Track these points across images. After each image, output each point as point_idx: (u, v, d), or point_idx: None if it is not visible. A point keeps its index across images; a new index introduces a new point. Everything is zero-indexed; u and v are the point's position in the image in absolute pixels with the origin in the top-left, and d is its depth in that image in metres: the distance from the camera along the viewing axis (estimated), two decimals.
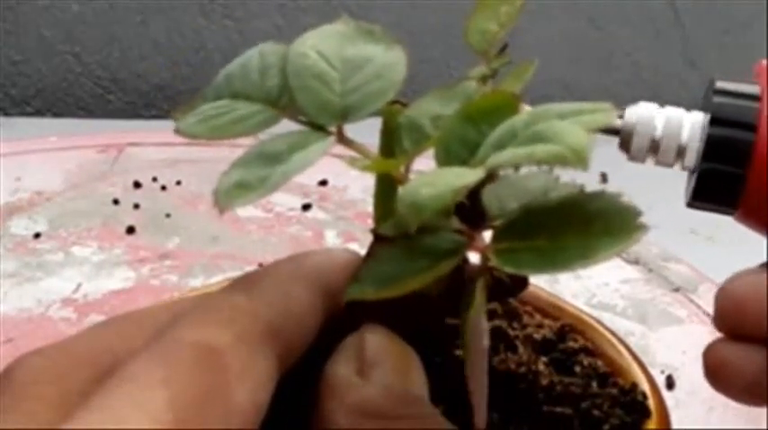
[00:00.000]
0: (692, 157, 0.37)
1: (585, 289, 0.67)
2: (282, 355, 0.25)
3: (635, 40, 1.82)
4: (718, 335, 0.40)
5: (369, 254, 0.27)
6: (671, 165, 0.38)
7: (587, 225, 0.23)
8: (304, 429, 0.26)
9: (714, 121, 0.37)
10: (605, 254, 0.22)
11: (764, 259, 0.40)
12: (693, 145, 0.37)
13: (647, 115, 0.38)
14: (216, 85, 0.29)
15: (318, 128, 0.27)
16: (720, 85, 0.38)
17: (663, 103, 0.42)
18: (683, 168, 0.38)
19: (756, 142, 0.36)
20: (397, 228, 0.25)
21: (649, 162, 0.39)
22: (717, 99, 0.37)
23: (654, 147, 0.38)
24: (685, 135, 0.37)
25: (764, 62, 0.39)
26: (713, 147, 0.37)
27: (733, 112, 0.37)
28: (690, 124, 0.38)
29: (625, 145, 0.38)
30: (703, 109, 0.38)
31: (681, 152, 0.38)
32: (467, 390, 0.26)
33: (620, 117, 0.38)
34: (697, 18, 1.86)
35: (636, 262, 0.68)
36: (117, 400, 0.22)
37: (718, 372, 0.36)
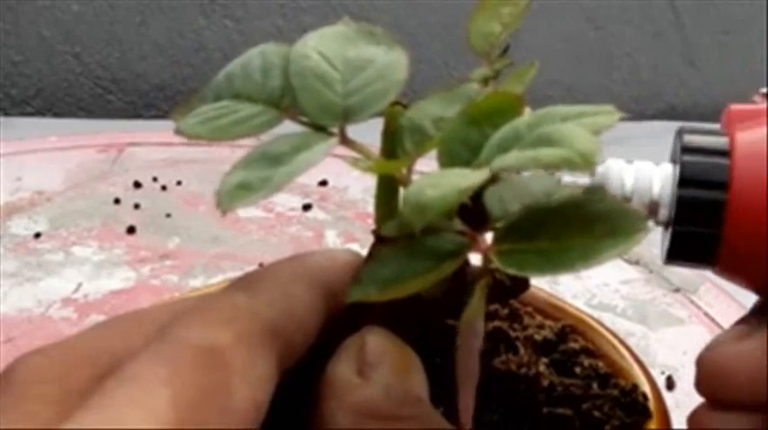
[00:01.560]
0: (664, 213, 0.36)
1: (586, 289, 0.67)
2: (283, 355, 0.25)
3: (635, 40, 1.82)
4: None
5: (370, 255, 0.27)
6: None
7: (590, 226, 0.23)
8: (304, 429, 0.26)
9: (684, 182, 0.35)
10: (608, 255, 0.22)
11: None
12: (665, 200, 0.36)
13: (616, 171, 0.37)
14: (216, 85, 0.29)
15: (320, 129, 0.27)
16: (688, 140, 0.36)
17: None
18: (656, 224, 0.37)
19: (729, 200, 0.35)
20: (399, 230, 0.25)
21: None
22: (685, 158, 0.35)
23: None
24: (656, 190, 0.36)
25: (731, 108, 0.38)
26: (685, 209, 0.35)
27: (702, 172, 0.35)
28: (660, 179, 0.36)
29: None
30: (672, 160, 0.37)
31: (653, 208, 0.36)
32: (480, 392, 0.26)
33: (591, 175, 0.37)
34: (697, 18, 1.86)
35: (636, 262, 0.68)
36: (118, 400, 0.22)
37: None
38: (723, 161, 0.35)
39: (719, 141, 0.36)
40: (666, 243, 0.37)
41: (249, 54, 0.29)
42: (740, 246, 0.35)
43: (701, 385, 0.36)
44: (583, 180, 0.36)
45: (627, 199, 0.36)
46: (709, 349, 0.37)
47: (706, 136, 0.36)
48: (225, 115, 0.27)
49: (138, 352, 0.23)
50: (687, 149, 0.36)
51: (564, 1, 1.21)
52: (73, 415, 0.22)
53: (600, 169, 0.37)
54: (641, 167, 0.37)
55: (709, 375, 0.36)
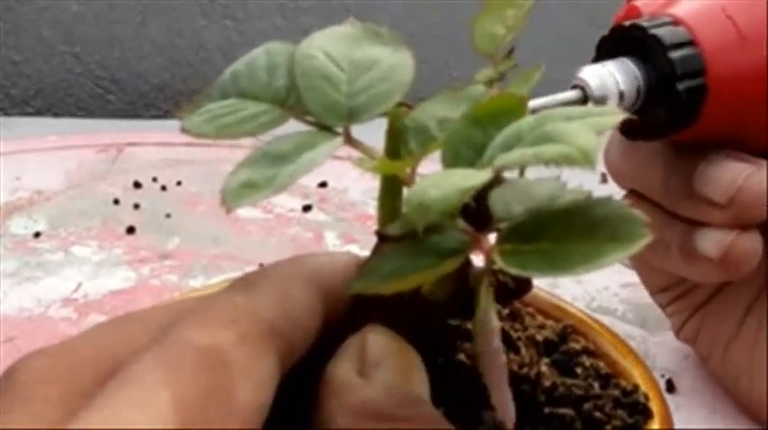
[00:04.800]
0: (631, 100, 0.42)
1: (585, 293, 0.67)
2: (283, 355, 0.25)
3: None
4: None
5: (374, 253, 0.27)
6: (629, 110, 0.42)
7: (593, 230, 0.23)
8: None
9: (671, 47, 0.41)
10: (609, 259, 0.22)
11: None
12: (634, 85, 0.41)
13: (608, 75, 0.41)
14: (222, 83, 0.29)
15: (325, 128, 0.27)
16: (645, 24, 0.42)
17: None
18: (631, 109, 0.42)
19: (704, 55, 0.42)
20: (403, 229, 0.25)
21: None
22: (654, 31, 0.41)
23: (621, 100, 0.41)
24: (638, 78, 0.41)
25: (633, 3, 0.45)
26: (682, 67, 0.41)
27: (678, 41, 0.42)
28: (635, 70, 0.41)
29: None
30: (606, 55, 0.42)
31: (639, 94, 0.41)
32: (481, 392, 0.26)
33: (575, 87, 0.41)
34: None
35: None
36: (121, 401, 0.22)
37: None
38: (680, 28, 0.42)
39: (662, 19, 0.42)
40: (658, 110, 0.42)
41: (255, 53, 0.29)
42: (724, 91, 0.42)
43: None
44: (575, 94, 0.40)
45: (621, 92, 0.41)
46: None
47: (649, 20, 0.43)
48: (230, 113, 0.27)
49: (139, 353, 0.23)
50: (651, 30, 0.42)
51: (564, 1, 1.21)
52: (76, 415, 0.22)
53: (591, 78, 0.41)
54: (609, 66, 0.42)
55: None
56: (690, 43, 0.42)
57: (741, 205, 0.44)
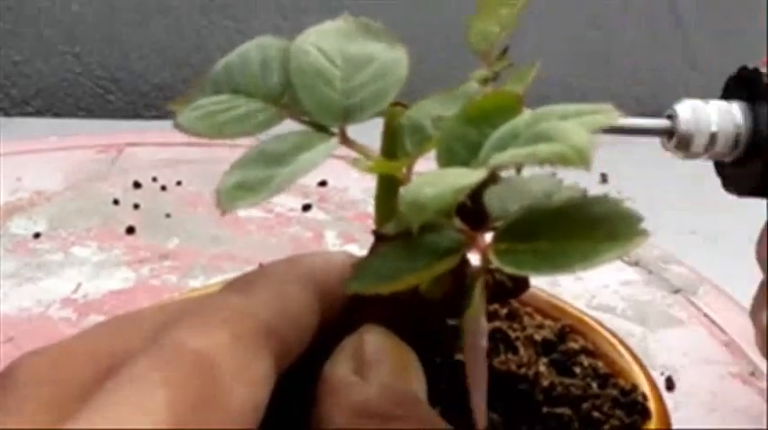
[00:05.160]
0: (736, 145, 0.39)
1: (586, 290, 0.66)
2: (280, 355, 0.25)
3: (635, 40, 1.82)
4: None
5: (371, 252, 0.27)
6: (724, 156, 0.39)
7: (590, 228, 0.23)
8: (303, 429, 0.26)
9: None
10: (606, 257, 0.22)
11: None
12: (732, 131, 0.39)
13: (703, 112, 0.39)
14: (215, 77, 0.29)
15: (321, 128, 0.26)
16: (763, 71, 0.39)
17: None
18: (729, 156, 0.39)
19: None
20: (398, 228, 0.25)
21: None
22: None
23: (712, 142, 0.39)
24: (739, 125, 0.39)
25: None
26: None
27: None
28: (737, 115, 0.39)
29: (684, 144, 0.39)
30: (729, 97, 0.40)
31: (737, 142, 0.39)
32: (466, 391, 0.26)
33: (669, 117, 0.39)
34: (697, 18, 1.86)
35: (636, 264, 0.68)
36: (117, 401, 0.22)
37: None
38: None
39: None
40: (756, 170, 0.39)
41: (247, 46, 0.29)
42: None
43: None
44: (665, 123, 0.38)
45: (713, 134, 0.39)
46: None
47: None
48: (224, 111, 0.27)
49: (136, 353, 0.23)
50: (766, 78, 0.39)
51: (564, 1, 1.21)
52: (72, 415, 0.22)
53: (683, 112, 0.39)
54: (720, 105, 0.39)
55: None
56: None
57: None
